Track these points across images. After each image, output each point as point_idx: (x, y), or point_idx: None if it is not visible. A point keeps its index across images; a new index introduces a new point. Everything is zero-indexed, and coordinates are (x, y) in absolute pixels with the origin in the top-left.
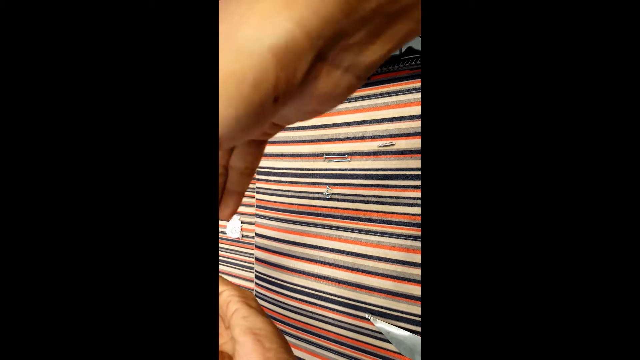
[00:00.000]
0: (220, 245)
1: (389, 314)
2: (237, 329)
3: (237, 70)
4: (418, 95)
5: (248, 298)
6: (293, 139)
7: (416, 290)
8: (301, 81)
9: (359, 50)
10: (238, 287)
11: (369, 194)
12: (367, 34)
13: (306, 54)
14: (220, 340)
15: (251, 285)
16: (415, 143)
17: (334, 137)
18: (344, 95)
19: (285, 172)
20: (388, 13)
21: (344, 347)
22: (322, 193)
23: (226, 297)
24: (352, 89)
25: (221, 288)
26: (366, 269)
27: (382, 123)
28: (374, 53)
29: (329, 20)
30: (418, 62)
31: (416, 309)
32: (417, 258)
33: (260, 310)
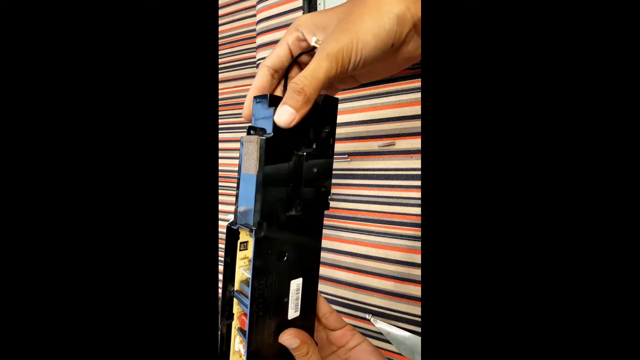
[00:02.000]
0: (220, 245)
1: (389, 315)
2: (364, 353)
3: (380, 23)
4: (418, 95)
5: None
6: None
7: (416, 290)
8: (403, 40)
9: None
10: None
11: (369, 194)
12: None
13: (408, 23)
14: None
15: None
16: (415, 143)
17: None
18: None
19: None
20: None
21: None
22: None
23: (346, 331)
24: None
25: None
26: (366, 269)
27: (382, 123)
28: None
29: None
30: (418, 62)
31: (416, 309)
32: (417, 258)
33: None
